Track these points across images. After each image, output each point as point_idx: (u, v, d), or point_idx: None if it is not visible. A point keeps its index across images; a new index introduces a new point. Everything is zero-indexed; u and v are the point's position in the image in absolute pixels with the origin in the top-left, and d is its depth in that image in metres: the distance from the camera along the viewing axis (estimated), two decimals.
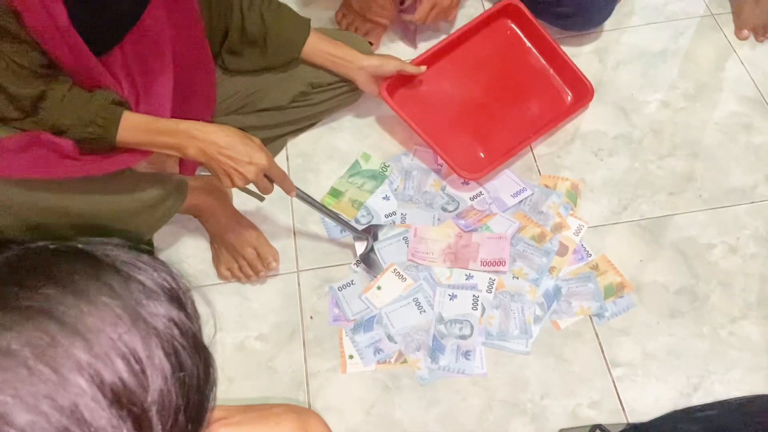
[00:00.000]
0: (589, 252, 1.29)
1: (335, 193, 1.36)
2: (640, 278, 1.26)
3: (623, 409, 1.14)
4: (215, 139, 1.02)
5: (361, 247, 1.28)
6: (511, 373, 1.17)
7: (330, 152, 1.42)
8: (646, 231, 1.32)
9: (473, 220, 1.31)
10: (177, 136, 1.01)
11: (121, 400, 0.38)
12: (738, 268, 1.27)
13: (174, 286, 0.46)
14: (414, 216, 1.33)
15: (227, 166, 1.03)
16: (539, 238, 1.29)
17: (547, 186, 1.36)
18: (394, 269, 1.25)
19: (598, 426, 1.04)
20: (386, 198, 1.35)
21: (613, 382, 1.17)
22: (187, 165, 1.24)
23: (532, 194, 1.34)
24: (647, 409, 1.13)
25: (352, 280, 1.26)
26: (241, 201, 1.31)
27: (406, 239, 1.29)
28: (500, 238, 1.27)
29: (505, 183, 1.36)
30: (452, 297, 1.22)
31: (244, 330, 1.22)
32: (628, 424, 1.09)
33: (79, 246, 0.44)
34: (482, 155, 1.38)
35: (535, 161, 1.40)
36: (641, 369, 1.18)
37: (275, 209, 1.34)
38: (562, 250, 1.28)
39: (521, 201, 1.34)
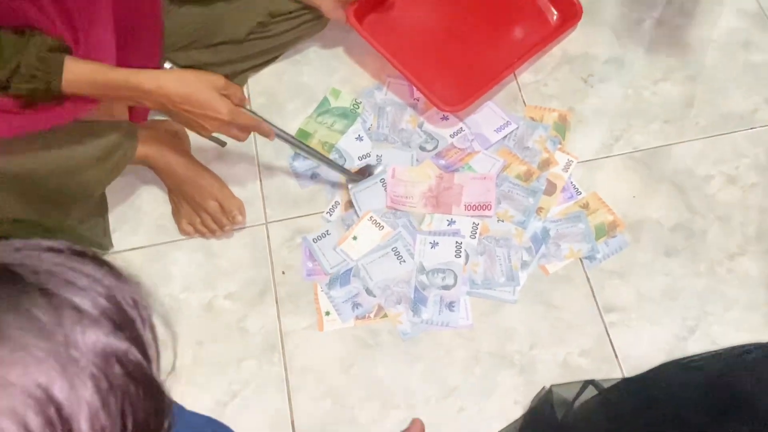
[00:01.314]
0: (579, 190, 1.20)
1: (303, 134, 1.25)
2: (633, 216, 1.19)
3: (616, 356, 1.09)
4: (169, 92, 0.93)
5: None
6: (498, 324, 1.11)
7: (295, 89, 1.30)
8: (639, 164, 1.23)
9: (454, 159, 1.21)
10: (129, 90, 0.91)
11: None
12: (737, 200, 1.20)
13: (125, 308, 0.37)
14: (390, 157, 1.22)
15: (187, 118, 0.96)
16: (525, 176, 1.20)
17: (533, 118, 1.26)
18: (371, 217, 1.16)
19: (591, 381, 0.98)
20: (359, 138, 1.24)
21: (606, 327, 1.11)
22: (138, 111, 1.12)
23: (517, 128, 1.24)
24: (641, 355, 1.08)
25: (327, 231, 1.17)
26: (200, 147, 1.20)
27: (383, 182, 1.19)
28: (485, 179, 1.18)
29: (487, 117, 1.25)
30: (433, 245, 1.14)
31: (212, 289, 1.14)
32: (622, 378, 1.04)
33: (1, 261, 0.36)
34: (462, 85, 1.26)
35: (520, 91, 1.29)
36: (635, 312, 1.12)
37: (238, 155, 1.23)
38: (550, 189, 1.19)
39: (505, 136, 1.23)
